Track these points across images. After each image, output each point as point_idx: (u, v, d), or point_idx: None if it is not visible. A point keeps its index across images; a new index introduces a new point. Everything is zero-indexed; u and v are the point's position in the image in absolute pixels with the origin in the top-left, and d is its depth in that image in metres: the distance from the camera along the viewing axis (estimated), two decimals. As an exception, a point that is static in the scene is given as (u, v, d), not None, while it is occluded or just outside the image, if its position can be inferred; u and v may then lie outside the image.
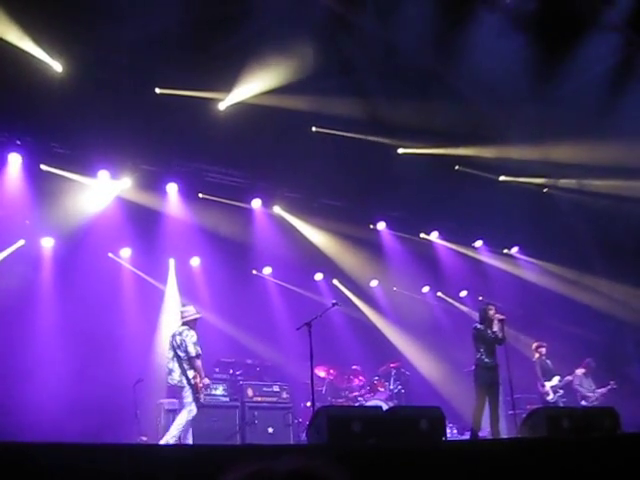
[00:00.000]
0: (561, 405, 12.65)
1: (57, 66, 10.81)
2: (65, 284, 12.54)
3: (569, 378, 13.28)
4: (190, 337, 10.12)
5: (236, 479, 1.18)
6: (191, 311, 10.58)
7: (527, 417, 8.72)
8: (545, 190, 16.17)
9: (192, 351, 10.02)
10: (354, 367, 14.13)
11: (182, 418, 9.82)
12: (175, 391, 10.82)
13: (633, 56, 13.28)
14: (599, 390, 13.58)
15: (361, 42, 12.92)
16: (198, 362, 10.04)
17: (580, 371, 13.84)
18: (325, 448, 6.34)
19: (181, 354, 10.07)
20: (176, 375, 10.04)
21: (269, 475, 1.17)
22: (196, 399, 9.94)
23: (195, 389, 9.95)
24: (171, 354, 10.18)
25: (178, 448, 8.15)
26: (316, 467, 1.19)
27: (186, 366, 10.03)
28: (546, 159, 14.74)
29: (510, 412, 11.84)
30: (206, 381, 10.33)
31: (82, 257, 12.62)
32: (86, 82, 10.87)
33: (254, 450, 6.17)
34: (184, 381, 9.99)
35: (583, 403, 13.40)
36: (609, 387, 13.59)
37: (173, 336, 10.32)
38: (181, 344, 10.11)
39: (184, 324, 10.40)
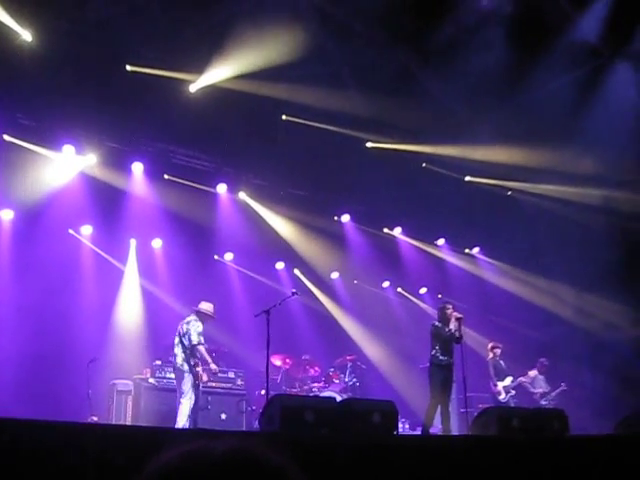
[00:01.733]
0: (512, 405, 12.82)
1: (27, 35, 10.55)
2: (22, 258, 12.33)
3: (522, 379, 13.46)
4: (195, 327, 10.50)
5: (172, 457, 1.16)
6: (208, 307, 10.88)
7: (478, 415, 8.80)
8: (509, 193, 16.33)
9: (194, 340, 10.36)
10: (304, 357, 14.12)
11: (185, 408, 10.16)
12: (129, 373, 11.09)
13: (600, 67, 13.47)
14: (552, 392, 13.83)
15: (337, 33, 12.89)
16: (200, 350, 10.41)
17: (532, 372, 14.06)
18: (277, 436, 6.34)
19: (185, 342, 10.44)
20: (179, 359, 10.45)
21: (205, 454, 1.15)
22: (195, 386, 10.30)
23: (195, 376, 10.30)
24: (177, 340, 10.56)
25: (129, 429, 8.08)
26: (254, 447, 1.18)
27: (189, 353, 10.39)
28: (513, 162, 14.86)
29: (462, 410, 11.97)
30: (213, 367, 10.59)
31: (42, 232, 12.41)
32: (56, 53, 10.65)
33: (204, 434, 6.14)
34: (185, 367, 10.37)
35: (543, 403, 13.62)
36: (560, 389, 13.83)
37: (181, 324, 10.68)
38: (186, 332, 10.47)
39: (196, 313, 10.73)
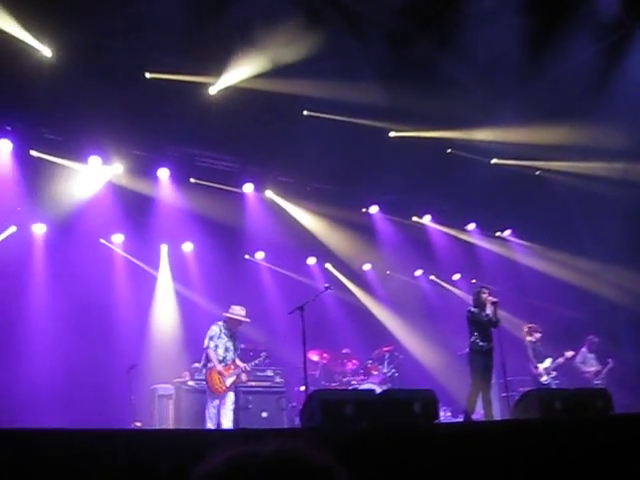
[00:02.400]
0: (554, 387, 12.71)
1: (46, 51, 10.67)
2: (57, 270, 12.52)
3: (560, 360, 13.33)
4: (210, 330, 10.88)
5: (218, 463, 1.17)
6: (235, 310, 11.09)
7: (519, 399, 8.74)
8: (537, 173, 16.16)
9: (205, 343, 10.80)
10: (344, 350, 14.15)
11: (208, 410, 10.59)
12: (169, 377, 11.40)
13: (624, 39, 13.25)
14: (603, 369, 13.74)
15: (352, 24, 12.85)
16: (208, 353, 10.78)
17: (583, 349, 13.99)
18: (319, 431, 6.35)
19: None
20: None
21: (253, 457, 1.16)
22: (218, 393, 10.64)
23: (207, 379, 10.68)
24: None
25: (173, 433, 8.16)
26: (298, 449, 1.18)
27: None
28: (538, 142, 14.71)
29: (503, 394, 11.89)
30: (219, 368, 10.72)
31: (74, 243, 12.59)
32: (76, 67, 10.76)
33: (247, 434, 6.18)
34: (203, 371, 11.02)
35: (596, 382, 13.51)
36: (609, 365, 13.73)
37: None
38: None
39: (224, 320, 11.06)
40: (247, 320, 11.20)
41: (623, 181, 14.13)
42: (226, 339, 10.91)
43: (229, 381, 10.69)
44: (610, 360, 13.87)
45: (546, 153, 15.26)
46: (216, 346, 10.79)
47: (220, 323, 10.98)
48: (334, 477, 1.18)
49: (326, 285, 11.16)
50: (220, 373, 10.60)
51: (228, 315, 11.01)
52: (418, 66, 13.37)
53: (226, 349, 10.88)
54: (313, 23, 12.06)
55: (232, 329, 11.02)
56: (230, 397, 10.71)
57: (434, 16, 12.56)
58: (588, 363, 13.94)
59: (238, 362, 11.02)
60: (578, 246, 15.97)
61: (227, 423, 10.49)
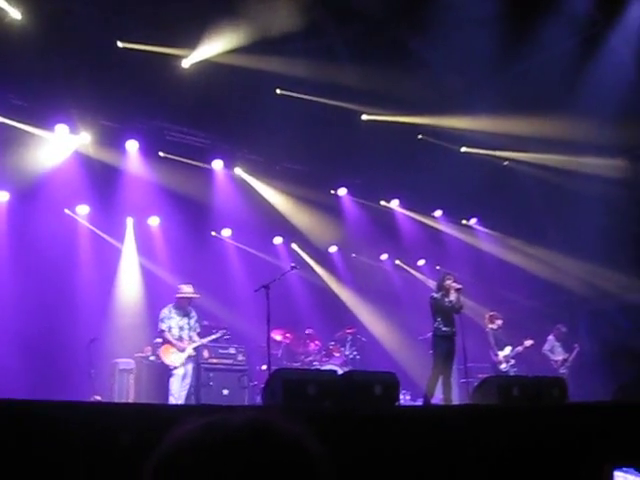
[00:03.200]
0: (512, 374, 12.90)
1: (16, 13, 10.43)
2: (19, 240, 12.29)
3: (520, 348, 13.52)
4: (161, 313, 11.30)
5: (190, 430, 1.17)
6: (183, 289, 11.46)
7: (478, 385, 8.86)
8: (505, 163, 16.31)
9: (158, 327, 11.27)
10: (307, 331, 14.19)
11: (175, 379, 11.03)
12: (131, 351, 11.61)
13: (596, 36, 13.39)
14: (569, 357, 13.99)
15: (328, 6, 12.78)
16: (164, 335, 11.17)
17: (550, 337, 14.22)
18: (280, 409, 6.37)
19: None
20: None
21: (224, 425, 1.16)
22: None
23: (161, 355, 11.13)
24: None
25: (134, 406, 8.11)
26: (272, 418, 1.19)
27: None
28: (508, 132, 14.83)
29: (462, 380, 12.05)
30: (181, 347, 11.16)
31: (37, 213, 12.38)
32: (46, 32, 10.52)
33: (209, 409, 6.17)
34: None
35: (562, 371, 13.73)
36: (575, 351, 14.03)
37: None
38: None
39: (174, 301, 11.41)
40: (196, 296, 11.56)
41: (598, 176, 14.30)
42: (178, 318, 11.29)
43: (184, 355, 11.03)
44: (576, 345, 14.12)
45: (515, 144, 15.40)
46: (169, 327, 11.18)
47: (169, 305, 11.35)
48: (308, 446, 1.19)
49: (292, 265, 11.20)
50: (173, 345, 11.00)
51: (177, 295, 11.36)
52: (393, 50, 13.38)
53: (180, 328, 11.26)
54: (290, 1, 11.97)
55: (184, 308, 11.38)
56: (181, 370, 10.99)
57: (411, 3, 12.54)
58: (556, 351, 14.15)
59: (195, 338, 11.36)
60: (542, 237, 16.20)
61: (176, 393, 10.82)
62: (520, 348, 13.50)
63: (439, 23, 12.55)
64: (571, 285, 15.77)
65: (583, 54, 13.38)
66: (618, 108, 13.25)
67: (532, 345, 13.66)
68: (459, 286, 10.81)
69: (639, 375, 12.88)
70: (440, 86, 13.97)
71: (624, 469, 3.95)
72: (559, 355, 14.09)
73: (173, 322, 11.23)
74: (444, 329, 10.63)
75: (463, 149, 15.88)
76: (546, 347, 14.19)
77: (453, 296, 10.73)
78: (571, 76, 13.41)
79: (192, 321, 11.41)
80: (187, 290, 11.42)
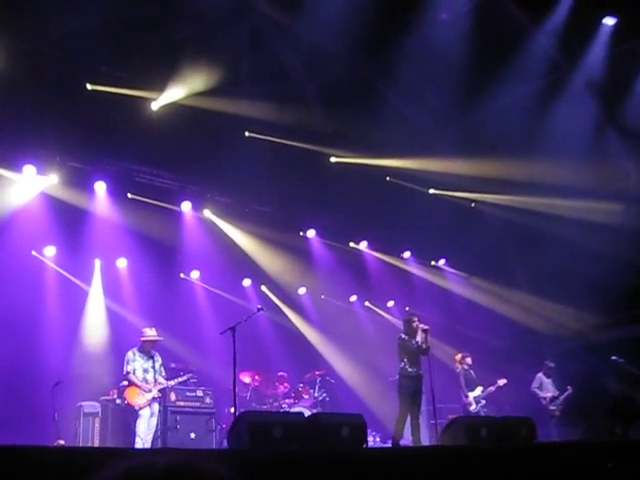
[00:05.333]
0: (482, 415, 12.87)
1: (-16, 55, 10.46)
2: (-16, 281, 12.12)
3: (492, 388, 13.50)
4: (126, 357, 11.21)
5: (115, 472, 1.16)
6: (146, 332, 11.42)
7: (447, 426, 8.84)
8: (473, 205, 16.51)
9: (124, 370, 11.18)
10: (280, 373, 14.08)
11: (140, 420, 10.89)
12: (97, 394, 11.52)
13: (560, 80, 13.73)
14: (560, 396, 13.87)
15: (297, 49, 12.99)
16: (129, 378, 11.08)
17: (539, 375, 14.07)
18: (246, 453, 6.30)
19: None
20: None
21: (148, 468, 1.15)
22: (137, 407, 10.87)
23: (126, 397, 11.06)
24: None
25: (99, 450, 7.96)
26: (196, 462, 1.18)
27: None
28: (475, 174, 15.05)
29: (432, 421, 11.99)
30: (145, 388, 11.05)
31: (4, 254, 12.20)
32: (15, 73, 10.55)
33: (172, 451, 6.08)
34: None
35: (552, 408, 13.66)
36: (567, 392, 13.86)
37: None
38: None
39: (139, 344, 11.36)
40: (159, 339, 11.55)
41: (567, 217, 14.49)
42: (142, 361, 11.24)
43: (149, 395, 10.93)
44: (569, 388, 13.93)
45: (482, 186, 15.62)
46: (134, 369, 11.13)
47: (134, 349, 11.32)
48: None
49: (259, 307, 11.16)
50: (138, 387, 10.93)
51: (141, 339, 11.34)
52: (362, 94, 13.59)
53: (145, 370, 11.21)
54: (256, 44, 12.15)
55: (148, 351, 11.34)
56: (147, 411, 10.87)
57: (378, 45, 12.78)
58: (545, 388, 13.97)
59: (161, 380, 11.27)
60: (510, 277, 16.35)
61: (143, 435, 10.64)
62: (492, 388, 13.47)
63: (407, 66, 12.81)
64: (539, 325, 15.89)
65: (547, 96, 13.69)
66: (582, 149, 13.55)
67: (505, 384, 13.65)
68: (426, 327, 10.84)
69: (607, 414, 12.94)
70: (408, 129, 14.20)
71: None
72: (548, 392, 13.91)
73: (137, 364, 11.16)
74: (409, 370, 10.64)
75: (431, 191, 16.06)
76: (534, 385, 14.01)
77: (420, 337, 10.75)
78: (536, 118, 13.71)
79: (157, 364, 11.33)
80: (151, 333, 11.40)
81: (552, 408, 13.69)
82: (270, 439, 6.66)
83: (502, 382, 13.60)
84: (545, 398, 13.82)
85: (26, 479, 4.35)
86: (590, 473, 6.60)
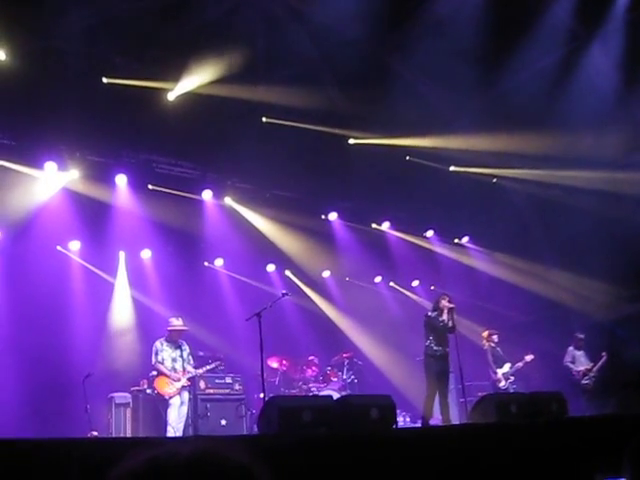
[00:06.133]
0: (511, 391, 12.83)
1: (0, 54, 10.51)
2: (12, 278, 12.27)
3: (520, 364, 13.44)
4: (153, 348, 11.36)
5: (137, 462, 1.17)
6: (173, 322, 11.55)
7: (476, 404, 8.84)
8: (494, 180, 16.38)
9: (152, 360, 11.32)
10: (310, 358, 14.11)
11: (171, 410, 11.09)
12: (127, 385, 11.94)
13: (578, 50, 13.54)
14: (594, 367, 13.60)
15: (312, 32, 12.91)
16: (158, 367, 11.26)
17: (570, 348, 13.82)
18: (276, 437, 6.34)
19: None
20: None
21: (171, 457, 1.16)
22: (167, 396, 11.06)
23: (155, 387, 11.20)
24: None
25: (132, 440, 8.07)
26: (222, 448, 1.19)
27: None
28: (495, 149, 14.93)
29: (461, 400, 12.01)
30: (174, 377, 11.21)
31: (30, 250, 12.36)
32: (32, 71, 10.61)
33: (203, 439, 6.13)
34: None
35: (584, 382, 13.46)
36: (602, 360, 13.56)
37: None
38: None
39: (166, 334, 11.52)
40: (186, 329, 11.69)
41: (588, 190, 14.33)
42: (170, 350, 11.39)
43: (178, 384, 11.10)
44: (604, 354, 13.62)
45: (503, 161, 15.50)
46: (163, 359, 11.28)
47: (161, 339, 11.46)
48: (254, 475, 1.18)
49: (283, 292, 11.18)
50: (168, 376, 11.11)
51: (168, 328, 11.47)
52: (378, 74, 13.50)
53: (173, 359, 11.35)
54: (271, 29, 12.10)
55: (175, 340, 11.48)
56: (177, 400, 11.05)
57: (393, 23, 12.67)
58: (578, 361, 13.71)
59: (189, 368, 11.42)
60: (535, 252, 16.22)
61: (174, 424, 10.80)
62: (520, 364, 13.39)
63: (423, 43, 12.69)
64: (565, 299, 15.77)
65: (566, 67, 13.52)
66: (602, 120, 13.37)
67: (532, 360, 13.55)
68: (451, 305, 10.84)
69: (638, 386, 12.84)
70: (426, 107, 14.08)
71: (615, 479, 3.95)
72: (582, 365, 13.65)
73: (166, 354, 11.30)
74: (435, 348, 10.65)
75: (452, 168, 15.96)
76: (567, 359, 13.76)
77: (445, 316, 10.75)
78: (555, 90, 13.54)
79: (185, 353, 11.45)
80: (177, 323, 11.51)
81: (585, 382, 13.46)
82: (300, 423, 6.70)
83: (529, 358, 13.50)
84: (579, 372, 13.57)
85: (53, 472, 4.41)
86: (623, 446, 6.57)
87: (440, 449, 6.25)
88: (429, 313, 10.98)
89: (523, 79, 13.37)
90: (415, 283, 17.92)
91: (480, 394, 11.91)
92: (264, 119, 13.47)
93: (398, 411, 8.28)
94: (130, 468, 1.16)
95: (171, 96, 12.28)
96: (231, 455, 1.18)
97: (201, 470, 1.13)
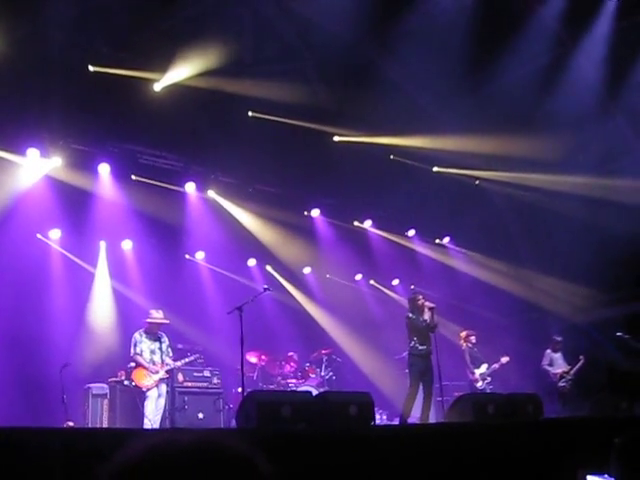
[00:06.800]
0: (488, 392, 12.92)
1: (-14, 38, 10.42)
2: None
3: (496, 366, 13.53)
4: (132, 339, 11.33)
5: (138, 450, 1.16)
6: (152, 314, 11.51)
7: (453, 403, 8.90)
8: (477, 182, 16.48)
9: (131, 352, 11.30)
10: (290, 354, 14.11)
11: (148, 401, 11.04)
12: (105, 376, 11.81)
13: (563, 56, 13.65)
14: (572, 369, 13.67)
15: (299, 28, 12.91)
16: (136, 359, 11.22)
17: (548, 351, 13.89)
18: (254, 432, 6.35)
19: None
20: None
21: (172, 445, 1.16)
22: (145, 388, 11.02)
23: (133, 378, 11.19)
24: None
25: (110, 432, 8.04)
26: (221, 438, 1.19)
27: None
28: (478, 151, 15.01)
29: (438, 399, 12.06)
30: (152, 369, 11.18)
31: (9, 238, 12.22)
32: (18, 56, 10.51)
33: (180, 432, 6.13)
34: None
35: (561, 385, 13.52)
36: (580, 363, 13.63)
37: None
38: None
39: (145, 326, 11.47)
40: (166, 321, 11.62)
41: (569, 194, 14.46)
42: (149, 342, 11.36)
43: (156, 376, 11.07)
44: (581, 357, 13.70)
45: (486, 163, 15.59)
46: (141, 350, 11.25)
47: (140, 330, 11.42)
48: (256, 465, 1.19)
49: (265, 286, 11.19)
50: (146, 368, 11.07)
51: (147, 320, 11.43)
52: (364, 72, 13.53)
53: (151, 351, 11.32)
54: (258, 24, 12.08)
55: (154, 332, 11.45)
56: (154, 392, 11.02)
57: (380, 22, 12.69)
58: (555, 364, 13.79)
59: (168, 361, 11.38)
60: (515, 255, 16.35)
61: (151, 416, 10.78)
62: (496, 365, 13.49)
63: (409, 43, 12.73)
64: (543, 302, 15.91)
65: (550, 73, 13.62)
66: (586, 126, 13.50)
67: (508, 362, 13.65)
68: (432, 305, 10.90)
69: (613, 389, 13.00)
70: (411, 106, 14.13)
71: (597, 475, 4.07)
72: (559, 368, 13.73)
73: (144, 346, 11.27)
74: (420, 348, 10.69)
75: (435, 169, 16.04)
76: (544, 362, 13.84)
77: (427, 315, 10.80)
78: (539, 95, 13.64)
79: (164, 345, 11.42)
80: (157, 315, 11.47)
81: (561, 385, 13.57)
82: (278, 418, 6.72)
83: (505, 360, 13.59)
84: (556, 374, 13.67)
85: (35, 460, 4.40)
86: (597, 448, 6.65)
87: (418, 447, 6.29)
88: (409, 314, 11.02)
89: (509, 82, 13.45)
90: (395, 282, 17.98)
91: (456, 393, 12.00)
92: (250, 113, 13.44)
93: (375, 409, 8.32)
94: (129, 457, 1.16)
95: (157, 87, 12.23)
96: (231, 445, 1.18)
97: (202, 459, 1.14)
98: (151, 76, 12.17)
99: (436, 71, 13.18)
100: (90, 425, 11.10)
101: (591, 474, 4.27)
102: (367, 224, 17.06)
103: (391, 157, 15.38)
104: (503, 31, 12.72)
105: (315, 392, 11.26)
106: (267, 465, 1.20)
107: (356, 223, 16.96)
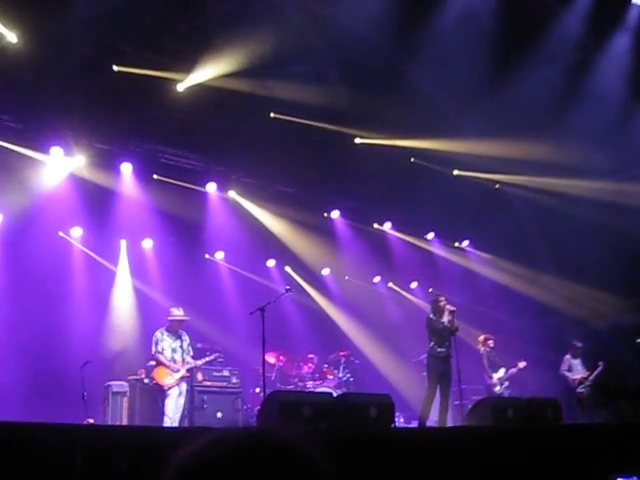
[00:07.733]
0: (506, 396, 12.88)
1: (12, 37, 10.50)
2: (13, 262, 12.27)
3: (513, 370, 13.47)
4: (154, 337, 11.31)
5: (201, 448, 1.18)
6: (173, 312, 11.52)
7: (473, 407, 8.90)
8: (497, 186, 16.44)
9: (152, 350, 11.27)
10: (310, 356, 14.10)
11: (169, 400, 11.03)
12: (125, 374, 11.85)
13: (586, 60, 13.59)
14: (590, 376, 13.59)
15: (322, 30, 12.93)
16: (157, 357, 11.18)
17: (567, 357, 13.83)
18: (273, 425, 6.36)
19: None
20: None
21: (239, 436, 1.18)
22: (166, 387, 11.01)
23: (154, 377, 11.16)
24: None
25: (130, 429, 8.10)
26: (269, 429, 1.22)
27: None
28: (499, 155, 14.97)
29: (456, 402, 12.03)
30: (174, 367, 11.19)
31: (32, 235, 12.35)
32: (43, 55, 10.60)
33: (201, 432, 6.17)
34: None
35: (580, 390, 13.44)
36: (599, 369, 13.57)
37: None
38: None
39: (166, 324, 11.48)
40: (186, 318, 11.65)
41: (589, 199, 14.40)
42: (170, 340, 11.38)
43: (177, 375, 11.10)
44: (600, 363, 13.63)
45: (506, 167, 15.54)
46: (162, 349, 11.27)
47: (162, 328, 11.43)
48: (307, 450, 1.21)
49: (287, 287, 11.23)
50: (167, 367, 11.08)
51: (169, 318, 11.46)
52: (387, 75, 13.54)
53: (173, 350, 11.34)
54: (284, 26, 12.11)
55: (175, 330, 11.48)
56: (175, 390, 11.03)
57: (403, 26, 12.69)
58: (574, 370, 13.73)
59: (189, 359, 11.42)
60: (534, 259, 16.28)
61: (171, 414, 10.79)
62: (514, 370, 13.43)
63: (432, 48, 12.73)
64: (563, 307, 15.83)
65: (573, 77, 13.57)
66: (607, 130, 13.43)
67: (525, 367, 13.59)
68: (453, 308, 10.87)
69: (632, 397, 12.91)
70: (433, 110, 14.13)
71: (626, 477, 4.10)
72: (578, 374, 13.65)
73: (166, 344, 11.30)
74: (438, 350, 10.66)
75: (455, 172, 16.01)
76: (563, 367, 13.78)
77: (447, 318, 10.78)
78: (561, 99, 13.59)
79: (185, 344, 11.46)
80: (178, 313, 11.50)
81: (580, 391, 13.50)
82: (300, 418, 6.75)
83: (522, 364, 13.50)
84: (574, 380, 13.59)
85: (55, 457, 4.44)
86: (616, 455, 6.63)
87: (438, 450, 6.30)
88: (430, 315, 11.01)
89: (530, 86, 13.42)
90: (414, 284, 17.96)
91: (475, 397, 12.00)
92: (272, 114, 13.49)
93: (394, 411, 8.32)
94: (196, 451, 1.18)
95: (180, 87, 12.30)
96: (281, 434, 1.20)
97: (259, 447, 1.16)
98: (175, 76, 12.24)
99: (458, 75, 13.16)
100: (110, 422, 11.19)
101: (621, 477, 4.29)
102: (387, 226, 17.06)
103: (412, 160, 15.38)
104: (526, 35, 12.68)
105: (333, 393, 11.31)
106: (316, 451, 1.22)
107: (376, 225, 16.96)
